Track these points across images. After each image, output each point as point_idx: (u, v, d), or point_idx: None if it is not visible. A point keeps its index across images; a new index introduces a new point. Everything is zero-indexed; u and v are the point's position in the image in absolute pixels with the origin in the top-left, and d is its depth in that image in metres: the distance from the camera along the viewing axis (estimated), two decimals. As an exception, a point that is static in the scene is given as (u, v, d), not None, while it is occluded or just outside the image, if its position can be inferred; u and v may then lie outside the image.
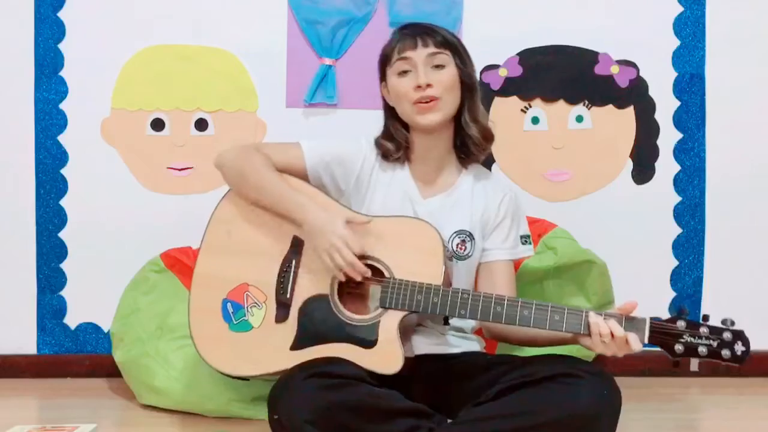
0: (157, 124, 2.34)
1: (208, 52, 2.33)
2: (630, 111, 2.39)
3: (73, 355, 2.34)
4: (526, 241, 1.86)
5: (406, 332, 1.69)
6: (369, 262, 1.67)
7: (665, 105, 2.39)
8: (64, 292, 2.34)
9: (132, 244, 2.28)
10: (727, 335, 1.51)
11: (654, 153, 2.40)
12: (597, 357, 2.23)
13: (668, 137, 2.40)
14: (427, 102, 1.73)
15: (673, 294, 2.41)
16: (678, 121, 2.40)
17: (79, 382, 2.30)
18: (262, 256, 1.73)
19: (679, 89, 2.39)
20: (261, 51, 2.33)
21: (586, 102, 2.38)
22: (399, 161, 1.81)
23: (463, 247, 1.78)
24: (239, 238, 1.76)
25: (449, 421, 1.56)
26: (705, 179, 2.41)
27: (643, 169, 2.40)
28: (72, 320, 2.35)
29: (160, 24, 2.32)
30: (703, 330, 1.52)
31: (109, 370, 2.19)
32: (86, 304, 2.34)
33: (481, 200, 1.82)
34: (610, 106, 2.38)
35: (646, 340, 1.53)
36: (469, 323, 1.84)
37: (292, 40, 2.34)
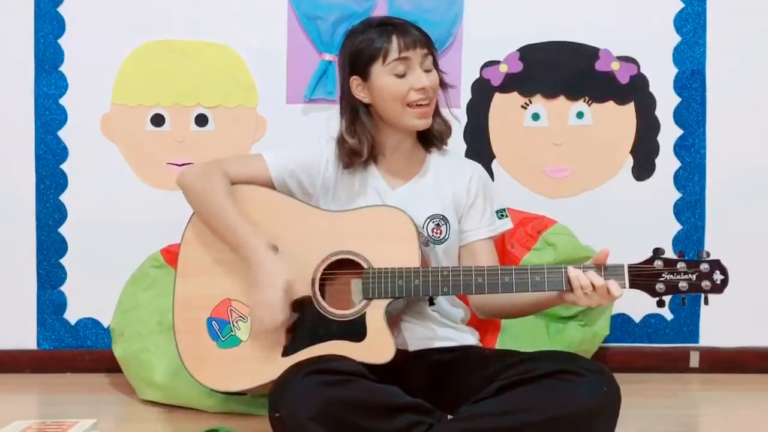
0: (157, 120, 2.34)
1: (208, 47, 2.33)
2: (630, 107, 2.39)
3: (73, 351, 2.34)
4: (502, 215, 1.86)
5: (394, 321, 1.70)
6: (345, 256, 1.67)
7: (666, 101, 2.39)
8: (64, 288, 2.35)
9: (132, 240, 2.28)
10: (704, 266, 1.53)
11: (654, 149, 2.40)
12: (597, 353, 2.24)
13: (669, 134, 2.40)
14: (426, 105, 1.74)
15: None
16: (678, 117, 2.40)
17: (79, 377, 2.31)
18: (238, 268, 1.71)
19: (679, 85, 2.39)
20: (261, 46, 2.33)
21: (587, 98, 2.38)
22: (364, 163, 1.80)
23: (439, 231, 1.78)
24: (215, 253, 1.74)
25: (449, 417, 1.56)
26: (705, 176, 2.41)
27: (643, 166, 2.40)
28: (72, 315, 2.35)
29: (160, 19, 2.32)
30: (681, 265, 1.54)
31: (109, 366, 2.20)
32: (86, 299, 2.34)
33: (448, 182, 1.83)
34: (611, 103, 2.38)
35: (627, 286, 1.55)
36: (459, 313, 1.84)
37: (293, 36, 2.34)
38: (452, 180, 1.83)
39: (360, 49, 1.76)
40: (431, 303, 1.73)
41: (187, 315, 1.74)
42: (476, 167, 1.90)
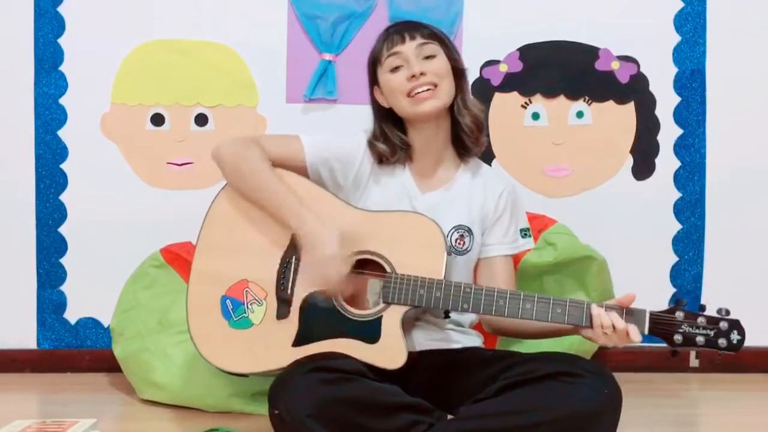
0: (157, 119, 2.34)
1: (208, 46, 2.33)
2: (630, 107, 2.39)
3: (73, 350, 2.34)
4: (525, 235, 1.86)
5: (405, 326, 1.69)
6: (369, 256, 1.67)
7: (666, 101, 2.39)
8: (64, 287, 2.35)
9: (132, 239, 2.28)
10: (723, 325, 1.55)
11: (654, 149, 2.40)
12: (597, 353, 2.24)
13: (669, 133, 2.40)
14: (425, 90, 1.73)
15: (673, 290, 2.41)
16: (678, 116, 2.40)
17: (79, 376, 2.31)
18: (261, 252, 1.71)
19: (679, 85, 2.39)
20: (261, 46, 2.33)
21: (587, 98, 2.38)
22: (400, 162, 1.80)
23: (462, 242, 1.78)
24: (237, 235, 1.74)
25: (449, 417, 1.56)
26: (705, 175, 2.41)
27: (643, 165, 2.40)
28: (72, 315, 2.35)
29: (160, 18, 2.32)
30: (701, 320, 1.56)
31: (109, 365, 2.20)
32: (86, 299, 2.34)
33: (479, 194, 1.82)
34: (611, 102, 2.38)
35: (646, 332, 1.56)
36: (468, 318, 1.84)
37: (292, 35, 2.34)
38: (483, 193, 1.83)
39: (370, 58, 1.82)
40: (446, 316, 1.73)
41: (201, 289, 1.73)
42: (508, 184, 1.89)
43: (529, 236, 1.88)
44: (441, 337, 1.77)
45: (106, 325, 2.30)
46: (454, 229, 1.77)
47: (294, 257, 1.70)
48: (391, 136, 1.79)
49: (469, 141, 1.80)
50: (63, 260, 2.34)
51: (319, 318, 1.66)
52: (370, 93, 1.84)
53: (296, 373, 1.51)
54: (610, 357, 2.33)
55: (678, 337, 1.55)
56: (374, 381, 1.54)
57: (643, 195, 2.39)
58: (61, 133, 2.33)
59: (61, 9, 2.31)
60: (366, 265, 1.68)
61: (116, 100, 2.33)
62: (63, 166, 2.33)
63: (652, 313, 1.57)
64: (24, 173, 2.32)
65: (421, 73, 1.72)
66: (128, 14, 2.31)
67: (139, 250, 2.19)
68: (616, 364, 2.25)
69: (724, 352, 1.55)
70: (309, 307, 1.66)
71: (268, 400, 1.54)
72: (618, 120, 2.38)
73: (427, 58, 1.75)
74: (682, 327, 1.55)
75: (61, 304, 2.34)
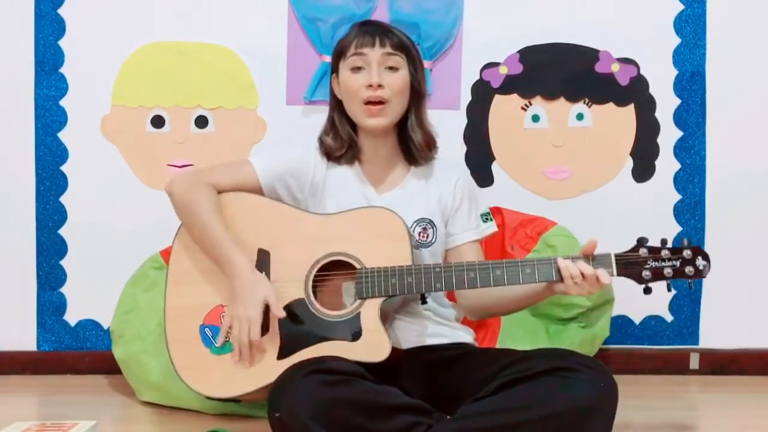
0: (157, 121, 2.34)
1: (208, 49, 2.33)
2: (630, 109, 2.39)
3: (73, 352, 2.34)
4: (486, 219, 1.88)
5: (387, 318, 1.71)
6: (338, 257, 1.68)
7: (666, 103, 2.39)
8: (64, 289, 2.35)
9: (132, 241, 2.28)
10: (687, 253, 1.60)
11: (654, 151, 2.40)
12: (597, 355, 2.24)
13: (668, 135, 2.40)
14: (375, 104, 1.74)
15: (673, 292, 2.40)
16: (678, 119, 2.40)
17: (79, 378, 2.30)
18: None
19: (679, 87, 2.39)
20: (261, 48, 2.33)
21: (587, 100, 2.38)
22: (347, 161, 1.81)
23: (426, 235, 1.79)
24: (204, 262, 1.75)
25: (448, 417, 1.57)
26: (705, 177, 2.41)
27: (643, 167, 2.40)
28: (72, 317, 2.35)
29: (161, 21, 2.32)
30: (665, 252, 1.60)
31: (109, 367, 2.19)
32: (86, 300, 2.34)
33: (435, 188, 1.84)
34: (611, 104, 2.38)
35: (615, 274, 1.60)
36: (451, 313, 1.85)
37: (293, 38, 2.34)
38: (438, 184, 1.84)
39: (336, 48, 1.82)
40: (423, 301, 1.74)
41: (179, 324, 1.74)
42: (461, 171, 1.91)
43: (491, 220, 1.89)
44: (427, 332, 1.77)
45: (106, 327, 2.30)
46: (416, 223, 1.78)
47: (264, 273, 1.71)
48: (341, 129, 1.81)
49: (419, 155, 1.82)
50: (63, 262, 2.34)
51: (299, 327, 1.66)
52: (329, 81, 1.85)
53: (296, 375, 1.51)
54: (609, 359, 2.32)
55: (646, 273, 1.59)
56: (374, 382, 1.54)
57: (643, 197, 2.40)
58: (61, 135, 2.33)
59: (61, 11, 2.31)
60: (337, 267, 1.69)
61: (116, 102, 2.33)
62: (63, 167, 2.33)
63: (617, 255, 1.60)
64: (24, 175, 2.32)
65: (379, 85, 1.73)
66: (128, 16, 2.32)
67: (139, 251, 2.20)
68: (616, 366, 2.25)
69: (693, 279, 1.59)
70: (288, 318, 1.66)
71: (269, 403, 1.53)
72: (618, 122, 2.38)
73: (390, 68, 1.76)
74: (648, 262, 1.59)
75: (61, 305, 2.34)
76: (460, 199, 1.84)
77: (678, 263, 1.59)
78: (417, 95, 1.81)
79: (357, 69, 1.76)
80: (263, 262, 1.72)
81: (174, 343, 1.74)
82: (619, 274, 1.60)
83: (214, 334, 1.71)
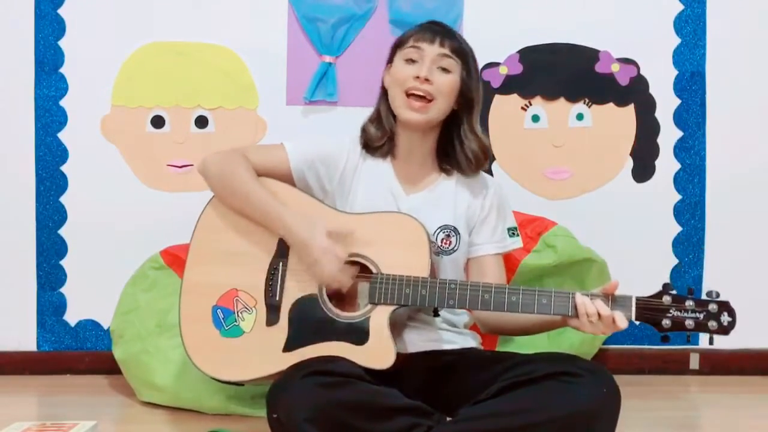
0: (157, 122, 2.34)
1: (208, 49, 2.33)
2: (630, 109, 2.39)
3: (73, 352, 2.34)
4: (513, 234, 1.87)
5: (397, 327, 1.70)
6: (355, 259, 1.67)
7: (666, 103, 2.39)
8: (64, 289, 2.35)
9: (132, 241, 2.28)
10: (712, 307, 1.54)
11: (654, 151, 2.40)
12: (597, 355, 2.24)
13: (668, 135, 2.40)
14: (420, 97, 1.73)
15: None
16: (678, 119, 2.40)
17: (79, 378, 2.30)
18: (249, 260, 1.72)
19: (679, 87, 2.39)
20: (261, 48, 2.33)
21: (587, 100, 2.38)
22: (382, 154, 1.81)
23: (448, 242, 1.78)
24: (226, 244, 1.75)
25: (448, 419, 1.56)
26: (705, 177, 2.41)
27: (643, 167, 2.40)
28: (72, 317, 2.35)
29: (161, 21, 2.32)
30: (689, 303, 1.54)
31: (109, 367, 2.19)
32: (86, 301, 2.34)
33: (464, 195, 1.82)
34: (611, 104, 2.38)
35: (633, 318, 1.55)
36: (462, 319, 1.84)
37: (293, 38, 2.34)
38: (469, 192, 1.83)
39: (397, 39, 1.83)
40: (436, 314, 1.74)
41: (193, 301, 1.74)
42: (494, 182, 1.89)
43: (517, 235, 1.88)
44: (435, 337, 1.77)
45: (105, 327, 2.30)
46: (439, 230, 1.77)
47: (281, 264, 1.70)
48: (385, 120, 1.81)
49: (468, 165, 1.80)
50: (63, 262, 2.34)
51: (307, 322, 1.66)
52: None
53: (294, 376, 1.51)
54: (609, 359, 2.32)
55: (666, 322, 1.54)
56: (372, 384, 1.53)
57: (643, 197, 2.39)
58: (61, 135, 2.33)
59: (61, 11, 2.31)
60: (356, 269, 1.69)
61: (116, 102, 2.33)
62: (63, 168, 2.33)
63: (638, 299, 1.56)
64: (24, 175, 2.32)
65: (426, 79, 1.72)
66: (128, 16, 2.31)
67: (139, 252, 2.19)
68: (616, 366, 2.25)
69: (715, 335, 1.54)
70: (298, 313, 1.67)
71: (267, 404, 1.53)
72: (618, 122, 2.38)
73: (442, 69, 1.75)
74: (670, 311, 1.54)
75: (60, 305, 2.34)
76: (488, 210, 1.83)
77: (701, 316, 1.53)
78: (467, 102, 1.79)
79: (410, 61, 1.76)
80: (282, 252, 1.71)
81: (186, 318, 1.74)
82: (637, 319, 1.56)
83: (225, 316, 1.71)
